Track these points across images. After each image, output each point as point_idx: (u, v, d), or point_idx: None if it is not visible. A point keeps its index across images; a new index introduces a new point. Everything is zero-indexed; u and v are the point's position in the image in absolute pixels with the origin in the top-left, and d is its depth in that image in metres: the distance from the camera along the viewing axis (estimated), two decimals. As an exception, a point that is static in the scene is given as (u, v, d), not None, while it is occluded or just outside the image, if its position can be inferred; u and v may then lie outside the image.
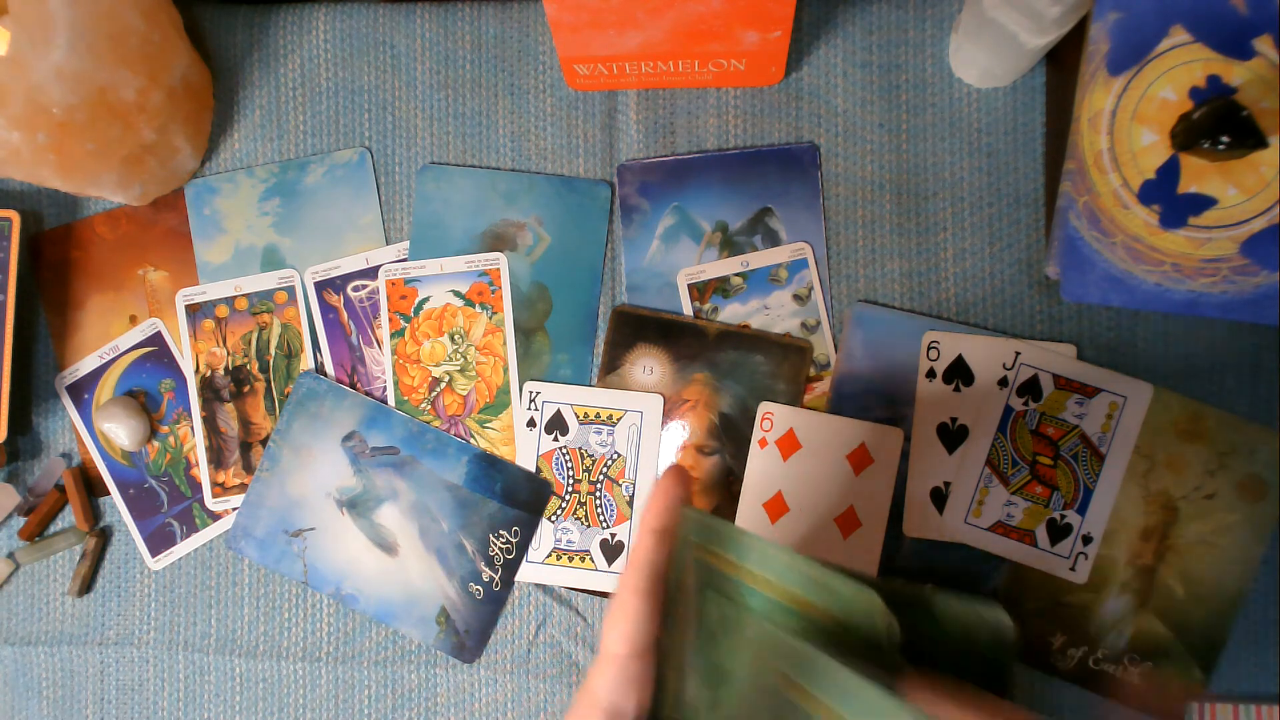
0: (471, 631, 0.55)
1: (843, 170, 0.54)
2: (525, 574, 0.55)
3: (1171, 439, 0.51)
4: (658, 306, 0.55)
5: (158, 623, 0.57)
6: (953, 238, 0.54)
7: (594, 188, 0.55)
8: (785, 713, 0.28)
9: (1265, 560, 0.51)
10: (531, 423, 0.55)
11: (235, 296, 0.57)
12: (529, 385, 0.55)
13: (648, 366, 0.54)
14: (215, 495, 0.57)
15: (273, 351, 0.57)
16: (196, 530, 0.57)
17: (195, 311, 0.57)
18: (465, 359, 0.55)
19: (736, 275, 0.54)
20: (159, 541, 0.57)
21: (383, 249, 0.56)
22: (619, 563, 0.54)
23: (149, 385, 0.57)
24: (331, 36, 0.57)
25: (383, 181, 0.57)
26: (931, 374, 0.53)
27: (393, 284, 0.56)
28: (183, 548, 0.57)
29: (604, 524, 0.54)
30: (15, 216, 0.55)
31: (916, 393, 0.53)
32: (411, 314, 0.56)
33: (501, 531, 0.55)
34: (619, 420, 0.54)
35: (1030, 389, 0.52)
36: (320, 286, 0.56)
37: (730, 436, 0.54)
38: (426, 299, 0.56)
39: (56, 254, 0.58)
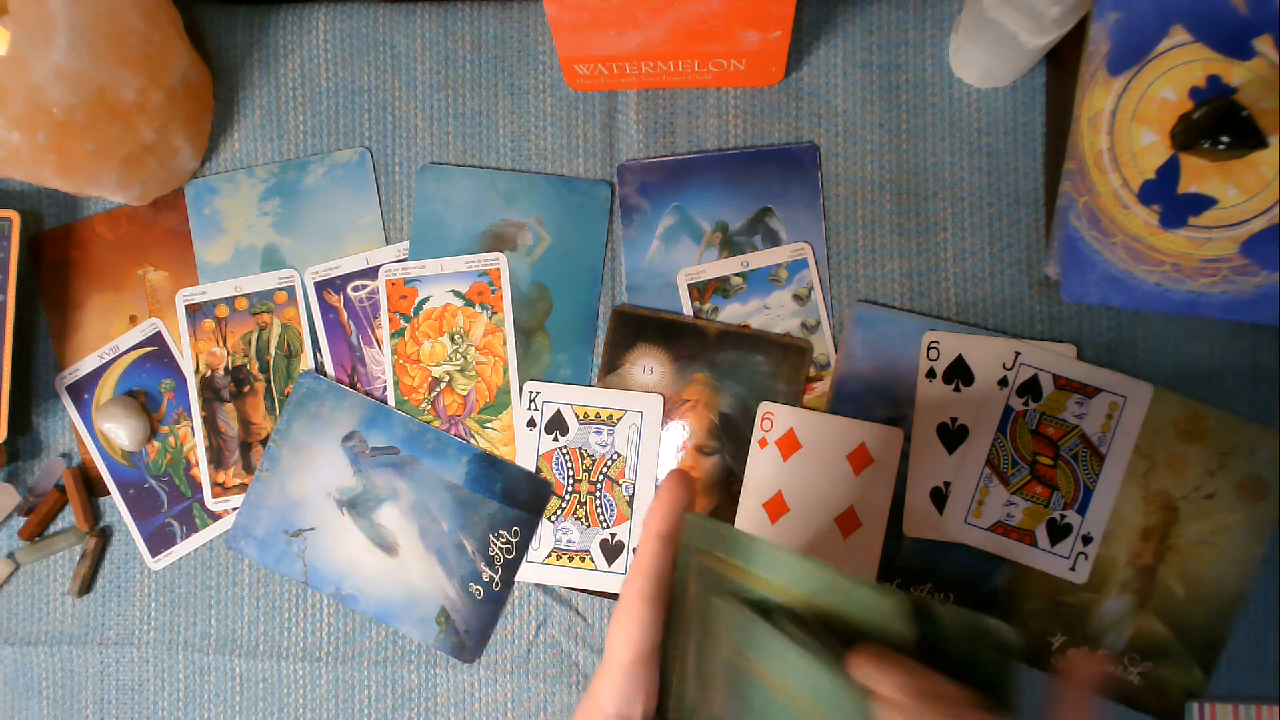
0: (471, 631, 0.55)
1: (843, 170, 0.54)
2: (525, 574, 0.55)
3: (1171, 439, 0.51)
4: (658, 306, 0.55)
5: (158, 623, 0.57)
6: (953, 238, 0.54)
7: (594, 188, 0.55)
8: (741, 686, 0.29)
9: (1265, 560, 0.51)
10: (531, 423, 0.55)
11: (235, 296, 0.57)
12: (529, 385, 0.55)
13: (648, 366, 0.54)
14: (215, 495, 0.57)
15: (273, 351, 0.57)
16: (196, 530, 0.57)
17: (195, 311, 0.57)
18: (465, 359, 0.55)
19: (736, 275, 0.54)
20: (159, 541, 0.57)
21: (383, 249, 0.56)
22: (619, 563, 0.54)
23: (149, 385, 0.57)
24: (331, 36, 0.57)
25: (383, 181, 0.57)
26: (931, 374, 0.53)
27: (393, 284, 0.56)
28: (183, 548, 0.57)
29: (604, 524, 0.54)
30: (15, 216, 0.55)
31: (916, 393, 0.53)
32: (411, 314, 0.56)
33: (501, 531, 0.55)
34: (619, 420, 0.54)
35: (1030, 389, 0.52)
36: (320, 286, 0.56)
37: (730, 436, 0.54)
38: (426, 299, 0.56)
39: (56, 254, 0.58)
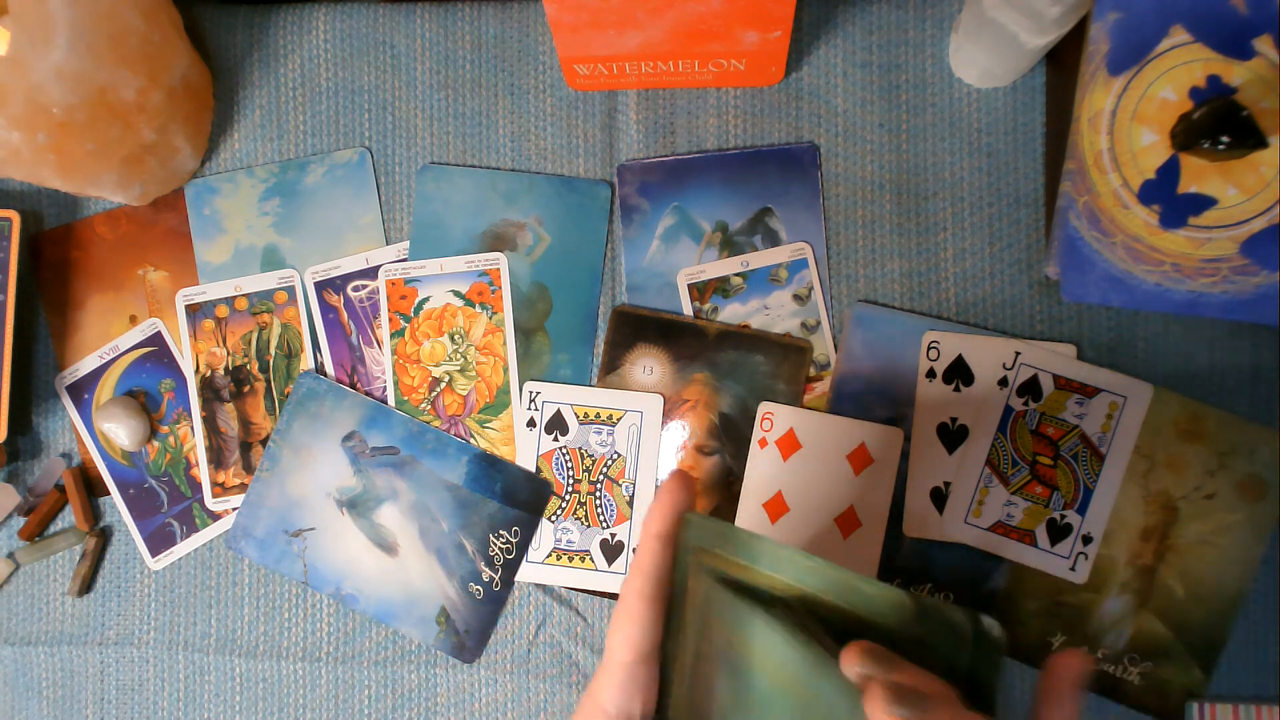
0: (471, 631, 0.55)
1: (843, 170, 0.54)
2: (525, 574, 0.55)
3: (1171, 439, 0.51)
4: (658, 306, 0.55)
5: (158, 623, 0.57)
6: (953, 238, 0.54)
7: (594, 188, 0.55)
8: (741, 673, 0.29)
9: (1265, 560, 0.51)
10: (531, 423, 0.55)
11: (235, 296, 0.57)
12: (529, 385, 0.55)
13: (648, 366, 0.54)
14: (215, 495, 0.57)
15: (273, 351, 0.57)
16: (196, 530, 0.57)
17: (195, 311, 0.57)
18: (465, 359, 0.55)
19: (736, 275, 0.54)
20: (159, 541, 0.57)
21: (383, 249, 0.56)
22: (619, 563, 0.54)
23: (149, 385, 0.57)
24: (331, 36, 0.57)
25: (383, 181, 0.57)
26: (931, 374, 0.53)
27: (393, 284, 0.56)
28: (183, 548, 0.57)
29: (604, 524, 0.54)
30: (15, 216, 0.55)
31: (916, 393, 0.53)
32: (411, 314, 0.56)
33: (501, 531, 0.55)
34: (619, 420, 0.54)
35: (1030, 389, 0.52)
36: (320, 286, 0.56)
37: (730, 436, 0.54)
38: (426, 299, 0.56)
39: (56, 254, 0.58)
